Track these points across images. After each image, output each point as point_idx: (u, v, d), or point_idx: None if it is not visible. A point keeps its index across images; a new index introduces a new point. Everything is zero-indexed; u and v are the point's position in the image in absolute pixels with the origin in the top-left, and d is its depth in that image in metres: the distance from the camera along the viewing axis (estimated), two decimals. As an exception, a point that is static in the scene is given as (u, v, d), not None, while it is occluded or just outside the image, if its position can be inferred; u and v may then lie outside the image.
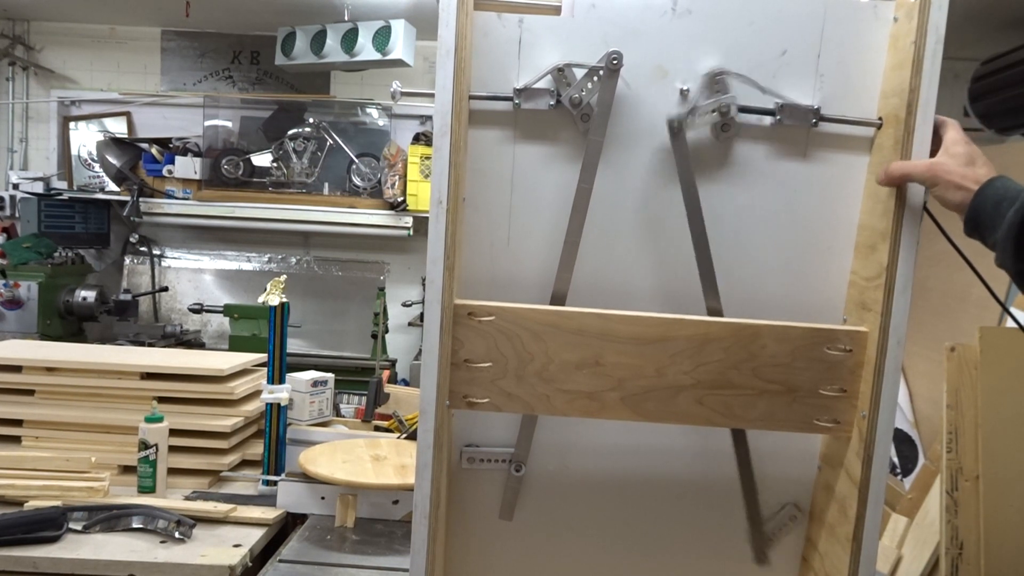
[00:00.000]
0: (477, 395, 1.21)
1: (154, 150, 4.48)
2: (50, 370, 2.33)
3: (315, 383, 2.50)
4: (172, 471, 2.20)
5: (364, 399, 2.83)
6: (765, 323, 1.20)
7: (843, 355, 1.20)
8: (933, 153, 1.13)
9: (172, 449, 2.18)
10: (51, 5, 4.54)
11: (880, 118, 1.22)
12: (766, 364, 1.20)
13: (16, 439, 2.29)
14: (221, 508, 2.02)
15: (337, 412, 2.82)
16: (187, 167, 4.42)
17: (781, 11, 1.23)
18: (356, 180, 4.57)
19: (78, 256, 4.57)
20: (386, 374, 2.96)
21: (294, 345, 4.14)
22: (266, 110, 4.75)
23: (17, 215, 4.67)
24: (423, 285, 4.41)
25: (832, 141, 1.25)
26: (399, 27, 3.91)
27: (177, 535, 1.89)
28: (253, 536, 1.96)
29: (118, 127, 4.86)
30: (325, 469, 2.08)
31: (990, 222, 1.06)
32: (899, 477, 3.13)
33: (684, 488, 1.35)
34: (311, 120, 4.62)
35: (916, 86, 1.12)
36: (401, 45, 3.92)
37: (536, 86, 1.23)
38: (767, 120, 1.24)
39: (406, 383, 4.14)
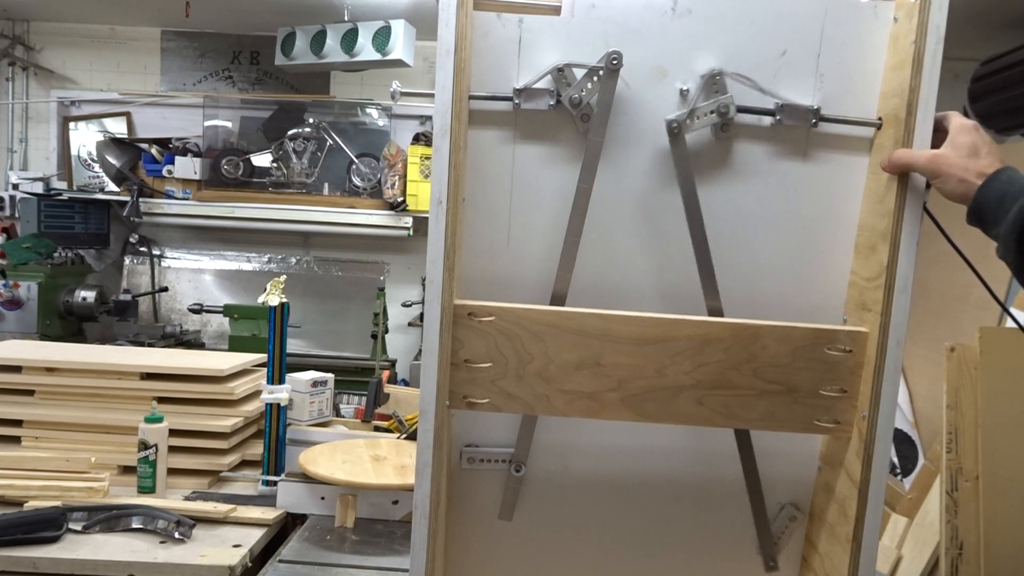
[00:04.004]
0: (477, 395, 1.21)
1: (154, 150, 4.48)
2: (50, 370, 2.33)
3: (315, 383, 2.50)
4: (172, 471, 2.20)
5: (364, 399, 2.82)
6: (765, 323, 1.20)
7: (843, 355, 1.20)
8: (938, 146, 1.12)
9: (172, 449, 2.18)
10: (51, 5, 4.54)
11: (880, 118, 1.22)
12: (766, 364, 1.19)
13: (16, 439, 2.29)
14: (221, 508, 2.02)
15: (337, 412, 2.82)
16: (187, 167, 4.42)
17: (781, 11, 1.23)
18: (356, 180, 4.57)
19: (78, 256, 4.57)
20: (386, 374, 2.97)
21: (294, 345, 4.14)
22: (266, 110, 4.74)
23: (17, 215, 4.67)
24: (423, 285, 4.41)
25: (832, 141, 1.25)
26: (399, 27, 3.91)
27: (177, 535, 1.89)
28: (253, 536, 1.96)
29: (118, 127, 4.86)
30: (325, 469, 2.08)
31: (993, 216, 1.05)
32: (899, 477, 3.13)
33: (684, 489, 1.35)
34: (311, 120, 4.62)
35: (916, 86, 1.12)
36: (401, 45, 3.92)
37: (536, 86, 1.23)
38: (767, 120, 1.24)
39: (406, 383, 4.14)
